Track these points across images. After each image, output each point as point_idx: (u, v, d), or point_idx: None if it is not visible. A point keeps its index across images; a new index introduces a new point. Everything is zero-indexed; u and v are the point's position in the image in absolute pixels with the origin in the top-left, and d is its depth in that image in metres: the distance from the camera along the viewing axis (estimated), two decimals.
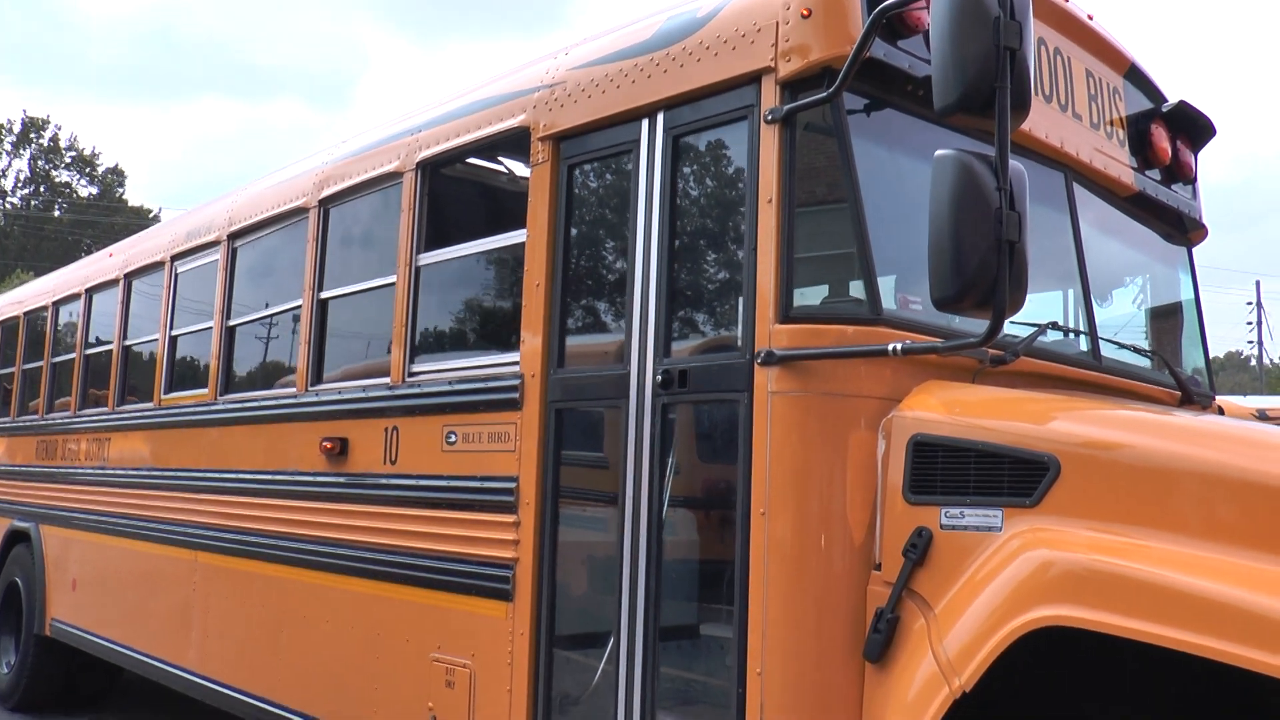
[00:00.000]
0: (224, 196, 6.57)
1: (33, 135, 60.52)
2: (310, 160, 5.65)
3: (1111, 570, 2.61)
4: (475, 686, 4.09)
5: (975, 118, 2.73)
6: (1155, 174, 4.68)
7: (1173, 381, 4.43)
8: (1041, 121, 3.97)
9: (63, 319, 8.87)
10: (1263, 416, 13.67)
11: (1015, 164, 2.74)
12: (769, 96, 3.32)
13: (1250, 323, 51.94)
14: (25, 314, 9.47)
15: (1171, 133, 4.71)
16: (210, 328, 6.20)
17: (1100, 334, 4.40)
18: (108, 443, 7.39)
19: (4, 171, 59.73)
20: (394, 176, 4.83)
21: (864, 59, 3.15)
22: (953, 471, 3.00)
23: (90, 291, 8.16)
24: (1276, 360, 55.38)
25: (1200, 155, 5.00)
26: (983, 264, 2.67)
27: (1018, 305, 2.76)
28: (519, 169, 4.33)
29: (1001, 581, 2.79)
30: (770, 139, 3.29)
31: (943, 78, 2.73)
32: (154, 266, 7.09)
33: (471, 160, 4.74)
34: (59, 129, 62.99)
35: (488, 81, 4.59)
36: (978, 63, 2.67)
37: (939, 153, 2.75)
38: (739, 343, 3.35)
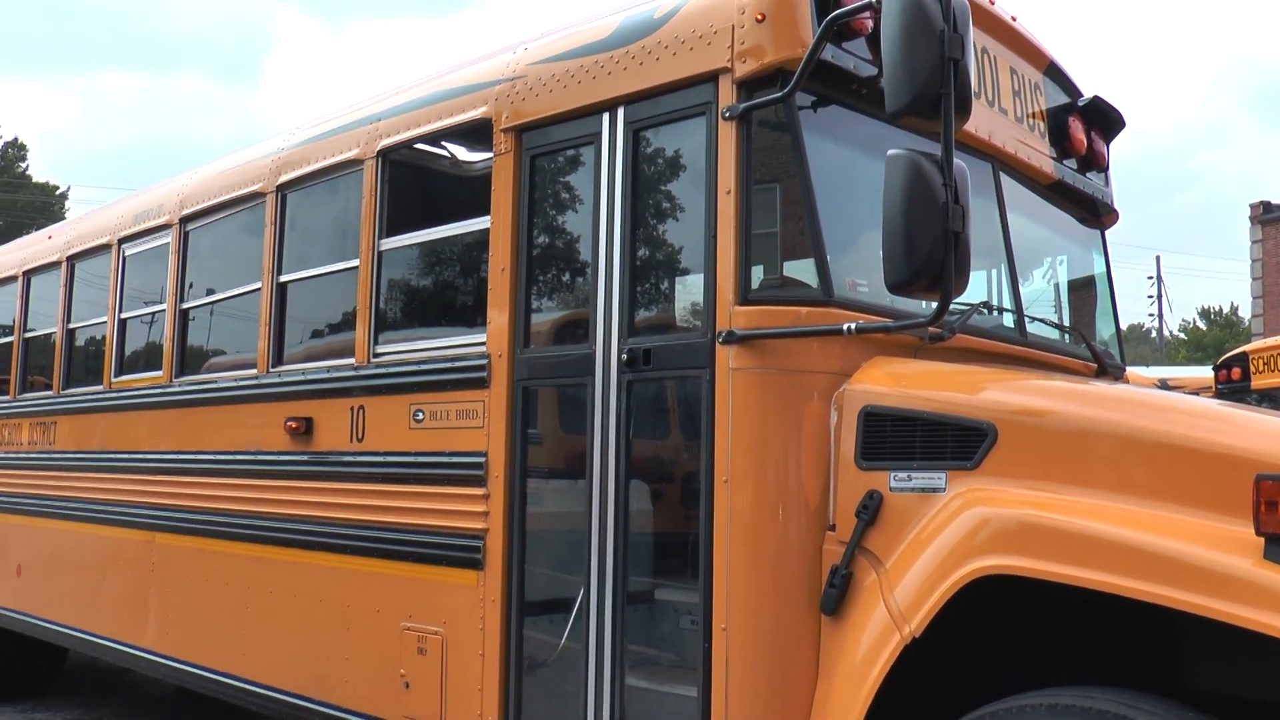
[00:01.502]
0: (171, 180, 6.62)
1: None
2: (264, 146, 5.75)
3: (1043, 523, 2.93)
4: (447, 652, 4.31)
5: (922, 120, 3.01)
6: (1072, 163, 5.03)
7: (1089, 354, 4.80)
8: (972, 116, 4.28)
9: None
10: (1164, 385, 14.33)
11: (959, 161, 3.03)
12: (726, 94, 3.56)
13: (1151, 296, 53.86)
14: None
15: (1086, 125, 5.06)
16: (163, 310, 6.28)
17: (1025, 311, 4.76)
18: (53, 427, 7.41)
19: None
20: (355, 163, 4.98)
21: (815, 62, 3.41)
22: (900, 439, 3.30)
23: (28, 274, 8.12)
24: (1176, 332, 57.47)
25: (1111, 145, 5.38)
26: (931, 252, 2.96)
27: (962, 288, 3.06)
28: (481, 156, 4.51)
29: (946, 536, 3.09)
30: (728, 134, 3.55)
31: (894, 84, 3.00)
32: (100, 249, 7.10)
33: (432, 147, 4.90)
34: None
35: (447, 72, 4.77)
36: (926, 72, 2.95)
37: (891, 152, 3.03)
38: (700, 323, 3.61)
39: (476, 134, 4.48)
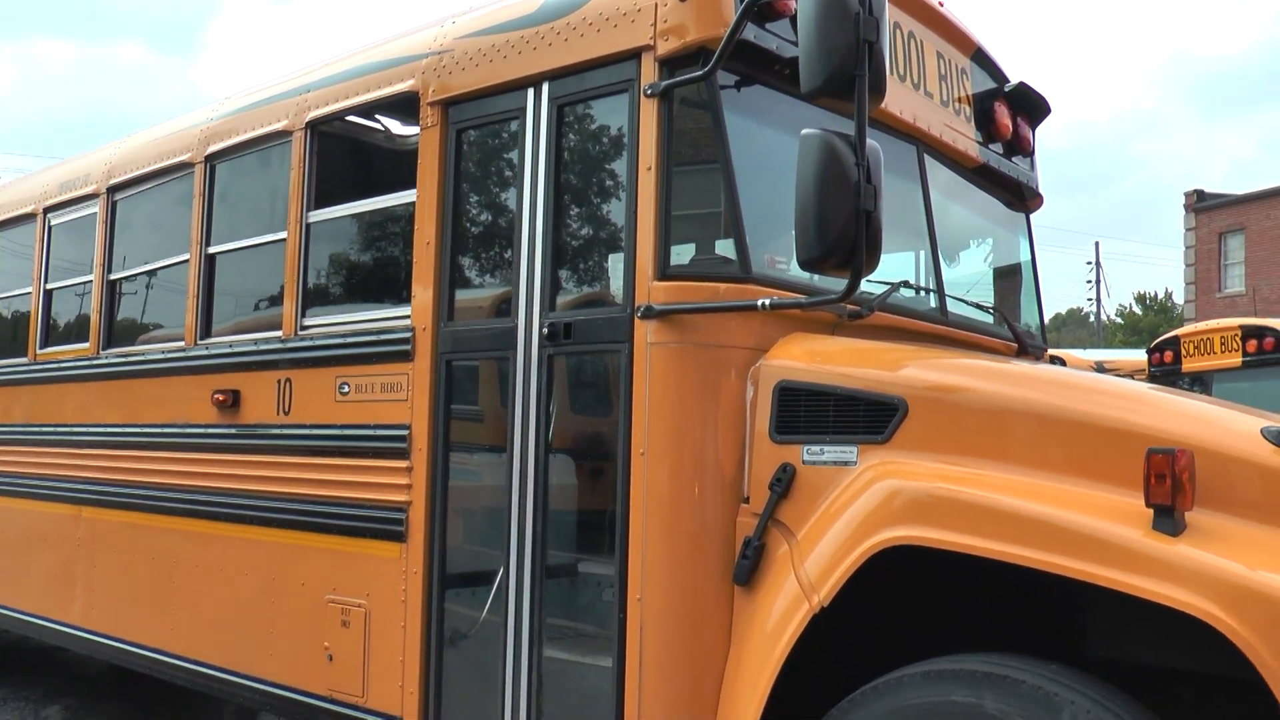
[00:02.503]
0: (100, 149, 6.51)
1: None
2: (193, 116, 5.69)
3: (948, 495, 3.01)
4: (370, 625, 4.32)
5: (837, 101, 3.05)
6: (998, 148, 5.12)
7: (1010, 335, 4.90)
8: (896, 99, 4.34)
9: None
10: (1100, 368, 14.58)
11: (872, 142, 3.07)
12: (649, 72, 3.59)
13: (1090, 281, 54.73)
14: None
15: (1012, 110, 5.16)
16: (90, 281, 6.20)
17: (948, 292, 4.85)
18: None
19: None
20: (283, 135, 4.94)
21: (736, 41, 3.44)
22: (813, 413, 3.36)
23: None
24: (1113, 316, 58.53)
25: (1038, 131, 5.48)
26: (843, 230, 3.00)
27: (873, 266, 3.11)
28: (408, 130, 4.50)
29: (856, 508, 3.16)
30: (650, 111, 3.57)
31: (809, 65, 3.04)
32: (23, 218, 6.98)
33: (361, 120, 4.88)
34: None
35: (377, 45, 4.74)
36: (840, 53, 2.99)
37: (805, 132, 3.07)
38: (620, 298, 3.64)
39: (404, 107, 4.47)
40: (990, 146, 5.05)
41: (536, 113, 3.94)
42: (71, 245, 6.58)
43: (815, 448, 3.33)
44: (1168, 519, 2.67)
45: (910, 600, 3.39)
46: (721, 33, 3.46)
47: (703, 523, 3.44)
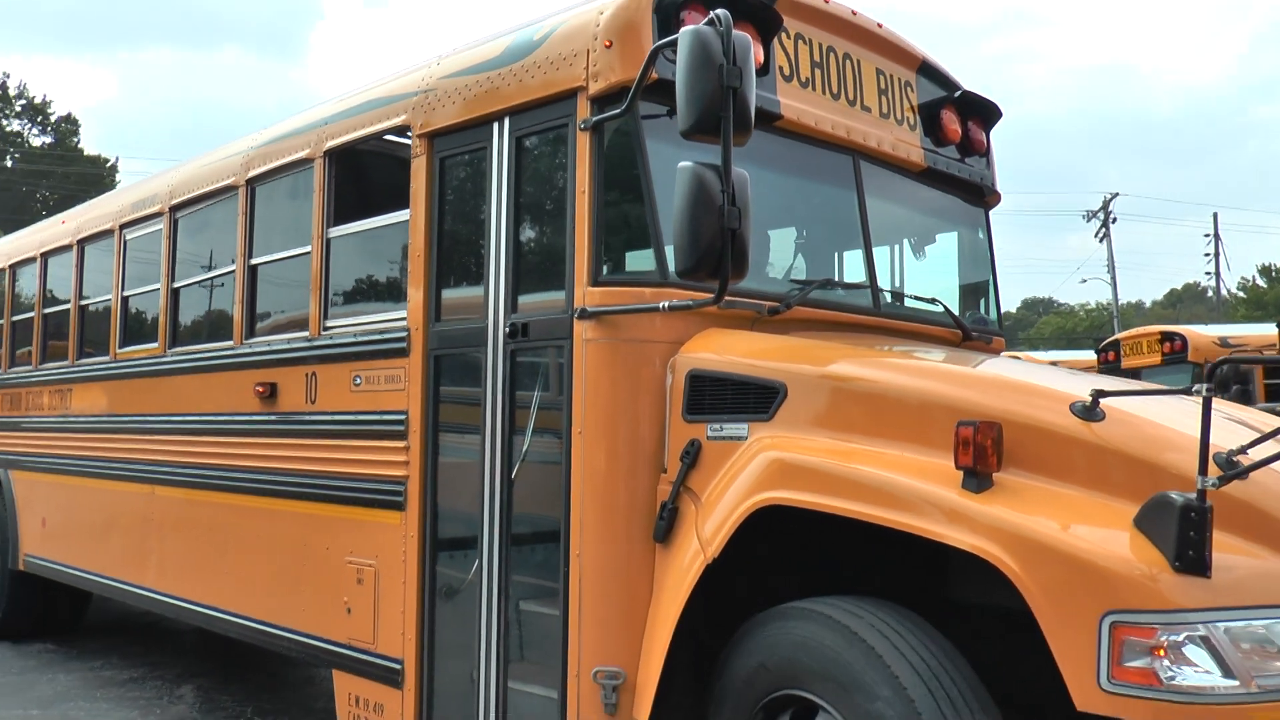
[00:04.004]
0: (163, 173, 7.41)
1: None
2: (238, 144, 6.51)
3: (810, 463, 3.59)
4: (379, 582, 5.06)
5: (708, 138, 3.64)
6: (952, 151, 5.62)
7: (958, 324, 5.39)
8: (830, 115, 4.91)
9: (20, 281, 9.69)
10: (1225, 344, 14.16)
11: (740, 170, 3.65)
12: (583, 109, 4.23)
13: (1208, 254, 53.21)
14: None
15: (962, 115, 5.64)
16: (158, 289, 7.08)
17: (910, 286, 5.39)
18: (69, 393, 8.27)
19: None
20: (307, 162, 5.71)
21: (653, 82, 4.05)
22: (716, 396, 3.98)
23: (45, 255, 8.99)
24: (1234, 290, 56.80)
25: (992, 132, 5.95)
26: (710, 245, 3.60)
27: (740, 275, 3.70)
28: (403, 158, 5.18)
29: (743, 476, 3.77)
30: (584, 143, 4.21)
31: (683, 109, 3.62)
32: (104, 234, 7.93)
33: (367, 149, 5.60)
34: (7, 77, 61.28)
35: (379, 84, 5.47)
36: (707, 98, 3.57)
37: (680, 165, 3.66)
38: (563, 301, 4.29)
39: (399, 138, 5.17)
40: (943, 150, 5.55)
41: (500, 144, 4.60)
42: (143, 256, 7.48)
43: (716, 425, 3.95)
44: (972, 479, 3.23)
45: (842, 562, 3.96)
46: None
47: (630, 490, 4.08)
